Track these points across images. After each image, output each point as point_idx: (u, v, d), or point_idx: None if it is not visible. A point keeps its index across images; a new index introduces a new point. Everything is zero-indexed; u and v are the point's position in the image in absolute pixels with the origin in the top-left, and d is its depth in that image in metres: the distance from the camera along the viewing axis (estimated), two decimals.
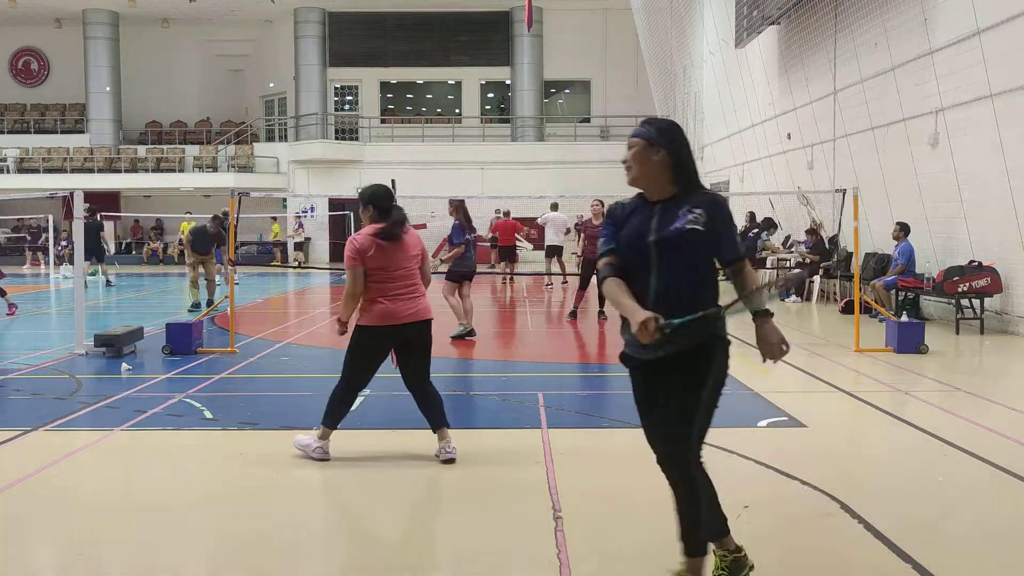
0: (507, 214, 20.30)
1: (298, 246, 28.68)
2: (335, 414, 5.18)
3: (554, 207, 18.76)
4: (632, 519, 4.22)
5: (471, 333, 10.50)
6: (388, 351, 5.25)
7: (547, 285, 18.85)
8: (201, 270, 14.47)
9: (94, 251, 17.46)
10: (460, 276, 10.61)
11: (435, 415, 5.23)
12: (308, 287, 20.73)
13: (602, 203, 12.19)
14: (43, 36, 33.82)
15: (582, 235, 12.36)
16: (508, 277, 19.28)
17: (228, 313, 10.00)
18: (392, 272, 5.12)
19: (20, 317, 13.21)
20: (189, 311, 13.58)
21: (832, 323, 12.23)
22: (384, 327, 5.13)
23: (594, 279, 12.51)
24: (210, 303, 13.70)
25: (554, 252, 18.20)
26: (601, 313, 12.19)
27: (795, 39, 17.52)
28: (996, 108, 10.83)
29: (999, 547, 3.88)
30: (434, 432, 5.20)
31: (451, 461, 5.06)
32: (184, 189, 30.15)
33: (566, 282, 18.99)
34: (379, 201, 5.21)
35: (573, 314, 12.45)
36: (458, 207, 10.57)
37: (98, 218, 18.89)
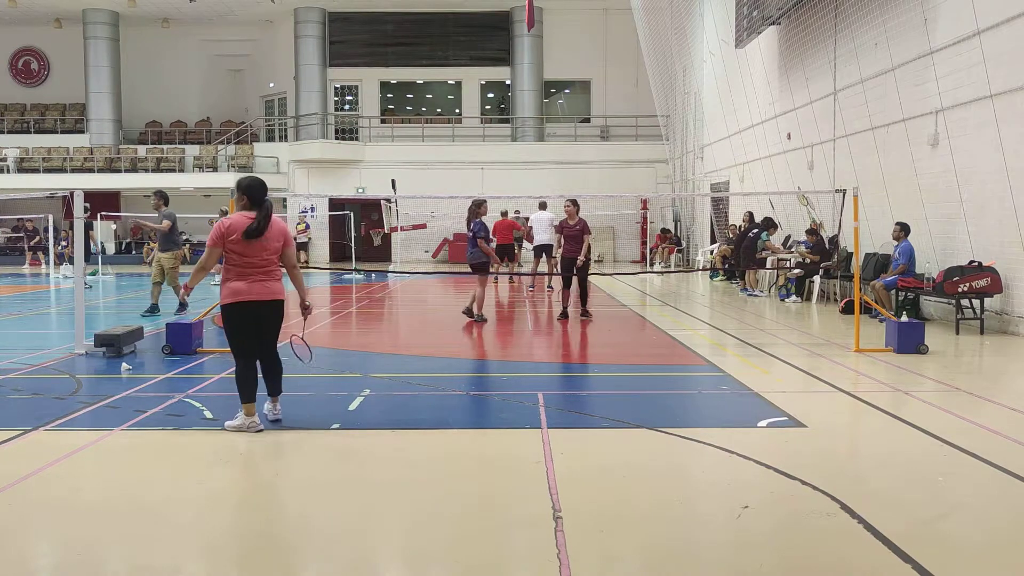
0: (504, 214, 20.35)
1: (300, 246, 28.68)
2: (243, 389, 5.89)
3: (542, 206, 18.82)
4: (632, 519, 4.22)
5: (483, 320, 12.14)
6: (249, 325, 5.85)
7: (547, 287, 18.92)
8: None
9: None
10: (484, 268, 12.05)
11: (274, 383, 6.13)
12: (309, 287, 20.72)
13: (575, 203, 12.39)
14: (43, 36, 33.83)
15: (560, 236, 12.51)
16: (510, 276, 19.33)
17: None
18: (250, 259, 5.74)
19: (20, 317, 13.20)
20: (151, 314, 13.06)
21: (832, 323, 12.23)
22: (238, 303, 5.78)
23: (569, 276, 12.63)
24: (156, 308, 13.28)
25: (543, 251, 18.35)
26: (563, 313, 12.50)
27: (795, 39, 17.52)
28: (996, 108, 10.83)
29: (999, 547, 3.88)
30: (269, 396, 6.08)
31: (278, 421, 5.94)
32: (184, 189, 30.13)
33: (551, 287, 19.09)
34: (253, 192, 5.78)
35: (564, 314, 12.54)
36: (477, 207, 12.11)
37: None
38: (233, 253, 5.71)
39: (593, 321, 12.31)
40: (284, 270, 6.09)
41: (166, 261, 13.20)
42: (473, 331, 11.31)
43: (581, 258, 12.08)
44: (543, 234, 17.90)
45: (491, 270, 12.60)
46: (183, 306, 12.68)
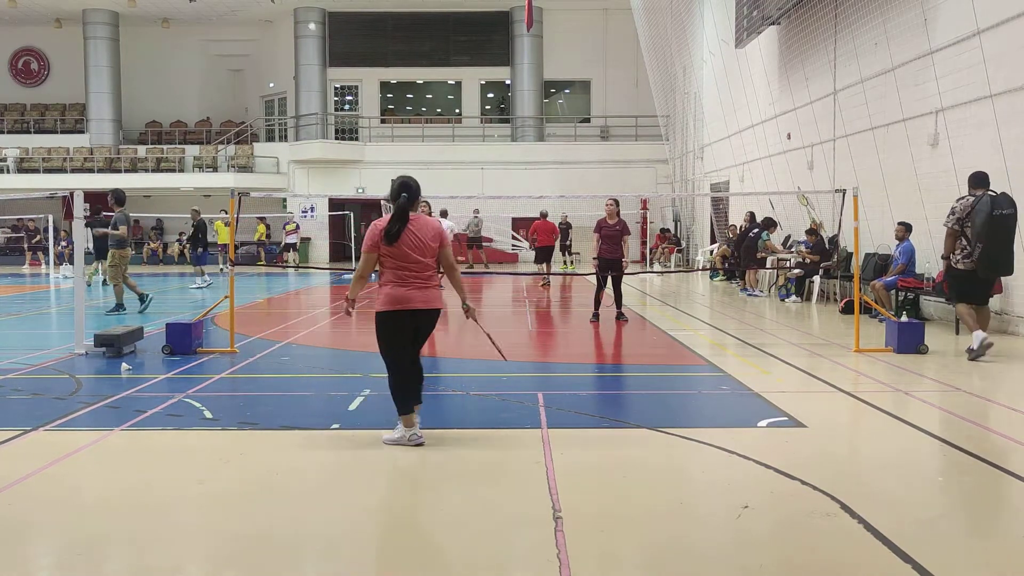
0: (545, 215, 20.41)
1: (290, 247, 28.64)
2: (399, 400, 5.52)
3: (444, 214, 19.17)
4: (632, 519, 4.22)
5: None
6: (406, 334, 5.47)
7: (543, 284, 18.99)
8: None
9: (98, 250, 16.57)
10: None
11: (416, 393, 5.66)
12: (309, 287, 20.73)
13: (616, 202, 12.15)
14: (43, 36, 33.84)
15: (598, 235, 12.18)
16: (546, 279, 19.27)
17: (228, 313, 9.99)
18: (404, 263, 5.36)
19: (20, 317, 13.21)
20: (115, 312, 13.32)
21: (832, 323, 12.23)
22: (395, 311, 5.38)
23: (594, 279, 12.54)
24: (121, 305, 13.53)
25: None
26: (595, 316, 12.21)
27: (795, 39, 17.52)
28: (996, 108, 10.83)
29: (999, 547, 3.88)
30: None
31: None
32: (184, 189, 30.15)
33: (547, 283, 19.13)
34: (392, 191, 5.43)
35: (595, 316, 12.20)
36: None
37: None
38: (387, 258, 5.37)
39: (628, 323, 12.08)
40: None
41: (117, 258, 13.48)
42: (474, 331, 11.31)
43: (626, 260, 11.94)
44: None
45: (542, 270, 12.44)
46: (120, 307, 13.39)
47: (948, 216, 8.81)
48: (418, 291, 5.40)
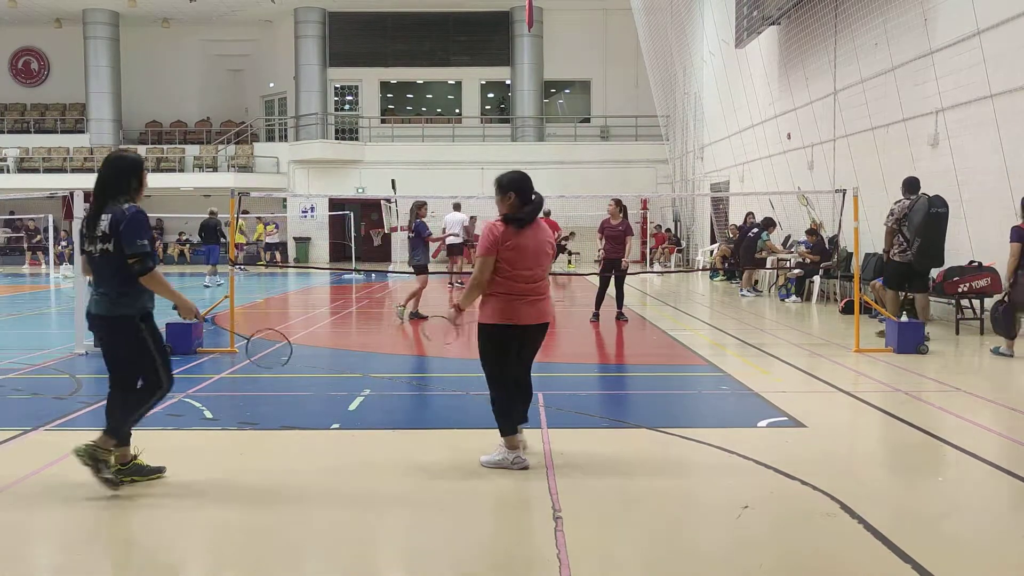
0: (547, 214, 20.41)
1: (273, 247, 28.53)
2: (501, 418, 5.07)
3: (456, 207, 19.13)
4: (632, 519, 4.22)
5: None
6: (515, 348, 5.05)
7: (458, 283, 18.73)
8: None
9: None
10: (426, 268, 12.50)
11: (523, 411, 5.25)
12: (309, 287, 20.73)
13: (616, 203, 12.18)
14: (43, 36, 33.83)
15: (601, 235, 12.25)
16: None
17: (228, 313, 9.99)
18: (523, 271, 4.91)
19: (20, 317, 13.20)
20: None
21: (832, 323, 12.23)
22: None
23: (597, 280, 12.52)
24: None
25: (456, 251, 18.60)
26: (595, 316, 12.21)
27: (795, 39, 17.52)
28: (996, 108, 10.83)
29: (999, 547, 3.88)
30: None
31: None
32: (184, 189, 30.13)
33: (462, 283, 19.09)
34: (522, 186, 5.05)
35: (595, 316, 12.23)
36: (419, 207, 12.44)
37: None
38: (505, 263, 4.86)
39: (628, 323, 12.09)
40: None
41: None
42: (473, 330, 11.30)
43: (626, 260, 11.96)
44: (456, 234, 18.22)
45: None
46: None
47: (887, 216, 10.22)
48: (532, 304, 4.98)
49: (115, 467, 4.59)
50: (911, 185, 10.14)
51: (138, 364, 4.67)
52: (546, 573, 3.53)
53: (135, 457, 4.73)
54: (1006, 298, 9.09)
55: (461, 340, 10.47)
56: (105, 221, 4.51)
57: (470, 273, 5.00)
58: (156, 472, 4.78)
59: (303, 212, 30.87)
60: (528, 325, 4.98)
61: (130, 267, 4.51)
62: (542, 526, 4.05)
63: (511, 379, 5.07)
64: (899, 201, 10.15)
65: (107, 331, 4.67)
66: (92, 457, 4.46)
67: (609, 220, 12.10)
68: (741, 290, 16.91)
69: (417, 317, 12.22)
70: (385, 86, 33.96)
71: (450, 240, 18.01)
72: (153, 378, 4.67)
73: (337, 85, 33.24)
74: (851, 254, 11.74)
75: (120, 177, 4.62)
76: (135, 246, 4.48)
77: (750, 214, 18.68)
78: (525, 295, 4.94)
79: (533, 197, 5.00)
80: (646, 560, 3.75)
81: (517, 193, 4.97)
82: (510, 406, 5.04)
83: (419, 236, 12.24)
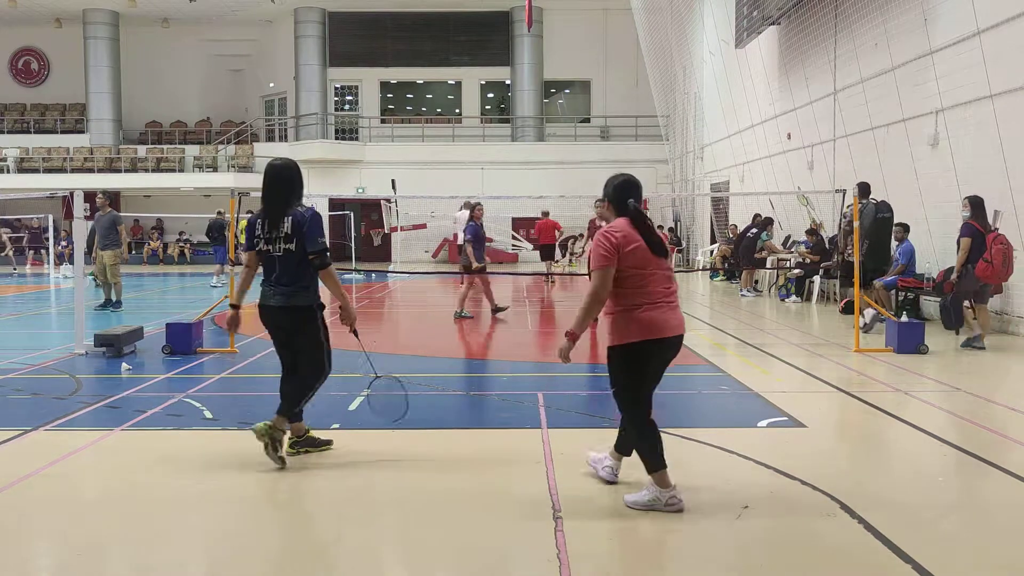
0: (546, 214, 20.47)
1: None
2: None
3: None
4: (632, 519, 4.22)
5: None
6: (654, 366, 4.39)
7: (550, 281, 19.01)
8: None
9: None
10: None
11: None
12: None
13: (604, 201, 12.19)
14: (43, 36, 33.82)
15: (591, 237, 12.36)
16: (548, 277, 19.33)
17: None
18: (652, 277, 4.32)
19: (20, 317, 13.21)
20: (117, 308, 13.76)
21: (832, 323, 12.23)
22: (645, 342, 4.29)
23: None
24: (110, 302, 13.90)
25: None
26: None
27: (795, 39, 17.52)
28: (996, 108, 10.83)
29: (999, 547, 3.88)
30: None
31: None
32: (184, 189, 30.13)
33: (552, 281, 19.21)
34: (619, 193, 4.54)
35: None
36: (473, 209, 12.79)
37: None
38: (632, 270, 4.25)
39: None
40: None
41: (108, 259, 13.74)
42: (473, 331, 11.32)
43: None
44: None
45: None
46: (117, 303, 13.77)
47: (841, 219, 11.56)
48: (675, 310, 4.35)
49: (292, 439, 5.19)
50: (864, 190, 11.10)
51: (312, 350, 5.16)
52: (546, 573, 3.53)
53: (307, 431, 5.31)
54: (953, 290, 9.63)
55: (456, 336, 10.46)
56: (287, 223, 4.97)
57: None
58: (326, 444, 5.33)
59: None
60: (672, 337, 4.31)
61: (311, 263, 5.01)
62: (542, 526, 4.05)
63: (648, 403, 4.39)
64: (849, 205, 10.82)
65: (290, 320, 5.12)
66: (271, 436, 4.92)
67: (595, 221, 12.26)
68: (741, 290, 16.94)
69: (464, 316, 12.56)
70: (385, 86, 33.96)
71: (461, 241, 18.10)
72: (323, 363, 5.20)
73: (337, 85, 33.23)
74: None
75: (296, 181, 5.11)
76: (316, 244, 5.00)
77: (758, 215, 18.66)
78: (668, 299, 4.33)
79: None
80: (646, 560, 3.75)
81: (612, 202, 4.54)
82: (656, 435, 4.33)
83: (477, 239, 12.44)
